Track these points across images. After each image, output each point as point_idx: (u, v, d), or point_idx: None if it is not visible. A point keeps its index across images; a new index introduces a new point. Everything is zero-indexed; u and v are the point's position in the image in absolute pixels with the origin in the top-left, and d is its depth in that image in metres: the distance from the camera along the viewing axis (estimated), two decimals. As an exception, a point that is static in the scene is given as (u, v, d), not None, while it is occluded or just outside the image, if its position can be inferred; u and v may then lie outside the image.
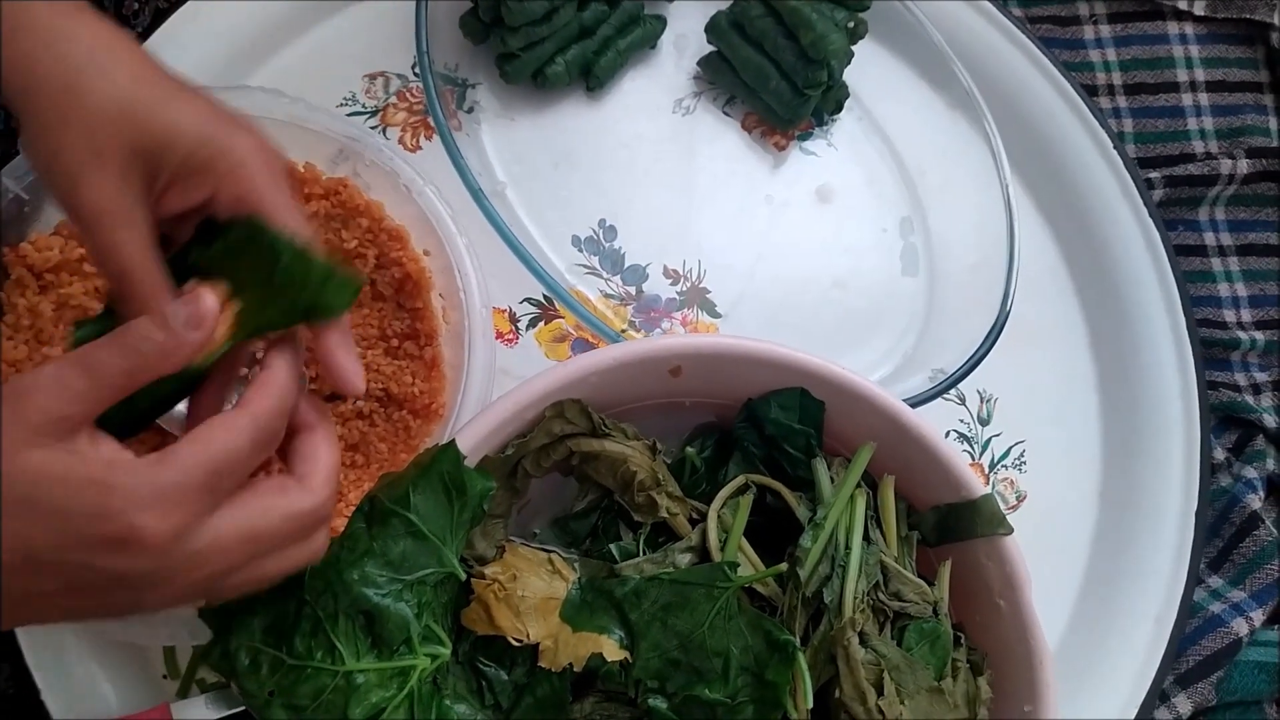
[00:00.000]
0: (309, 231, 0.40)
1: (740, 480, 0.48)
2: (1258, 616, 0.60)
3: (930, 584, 0.47)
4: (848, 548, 0.45)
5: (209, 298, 0.36)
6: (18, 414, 0.32)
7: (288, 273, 0.38)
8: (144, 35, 0.59)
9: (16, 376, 0.34)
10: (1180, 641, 0.60)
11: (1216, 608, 0.61)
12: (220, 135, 0.38)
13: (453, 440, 0.43)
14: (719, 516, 0.47)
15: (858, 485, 0.47)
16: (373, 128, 0.62)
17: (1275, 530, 0.62)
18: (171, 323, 0.35)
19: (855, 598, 0.43)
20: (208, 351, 0.37)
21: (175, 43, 0.59)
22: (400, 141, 0.63)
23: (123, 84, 0.37)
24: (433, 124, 0.62)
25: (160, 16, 0.60)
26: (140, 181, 0.37)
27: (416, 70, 0.63)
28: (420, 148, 0.63)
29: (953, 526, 0.47)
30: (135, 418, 0.37)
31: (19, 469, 0.31)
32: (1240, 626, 0.59)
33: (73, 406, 0.33)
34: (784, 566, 0.45)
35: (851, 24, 0.61)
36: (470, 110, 0.63)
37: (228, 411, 0.35)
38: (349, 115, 0.62)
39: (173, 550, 0.33)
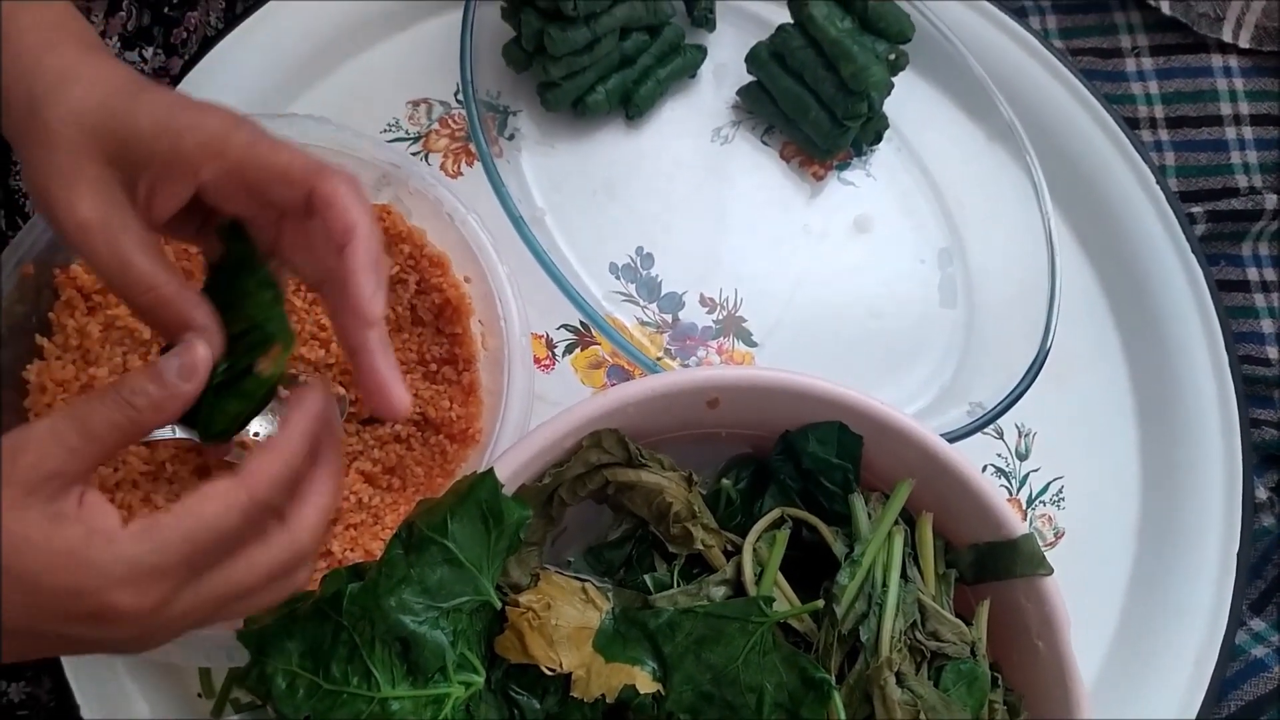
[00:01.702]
0: (316, 160, 0.37)
1: (776, 514, 0.48)
2: (1302, 661, 0.59)
3: (968, 623, 0.46)
4: (885, 586, 0.44)
5: (200, 347, 0.36)
6: (10, 472, 0.31)
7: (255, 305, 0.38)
8: (191, 62, 0.60)
9: (11, 432, 0.33)
10: (1221, 685, 0.58)
11: (1259, 652, 0.60)
12: (181, 121, 0.36)
13: (491, 469, 0.44)
14: (754, 550, 0.47)
15: (895, 522, 0.46)
16: (415, 153, 0.63)
17: (1320, 573, 0.61)
18: (165, 375, 0.35)
19: (892, 637, 0.43)
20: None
21: (222, 69, 0.60)
22: (442, 168, 0.63)
23: (82, 97, 0.36)
24: (474, 150, 0.62)
25: (208, 44, 0.61)
26: (121, 191, 0.36)
27: (459, 97, 0.64)
28: (461, 174, 0.63)
29: (991, 566, 0.47)
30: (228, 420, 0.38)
31: (3, 532, 0.31)
32: (1283, 671, 0.58)
33: (66, 464, 0.32)
34: (820, 603, 0.44)
35: (893, 56, 0.61)
36: (511, 137, 0.64)
37: (224, 481, 0.34)
38: (392, 141, 0.63)
39: (151, 620, 0.33)
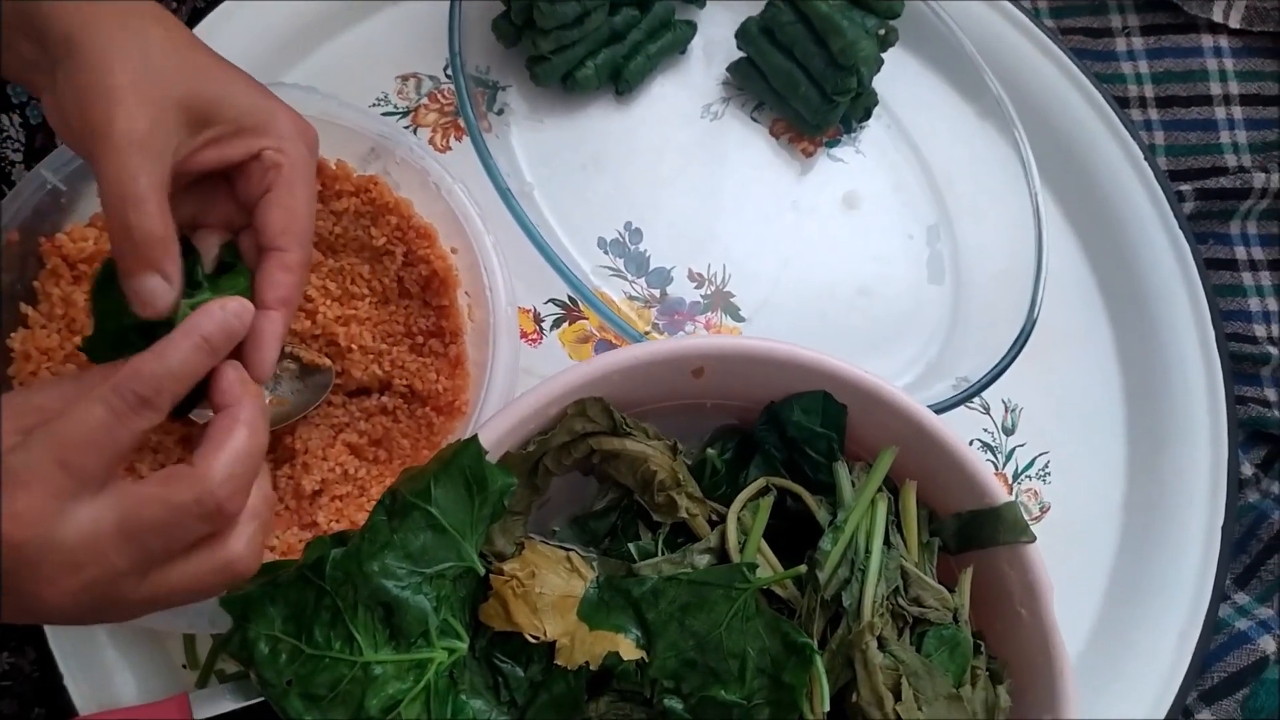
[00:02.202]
0: (311, 226, 0.42)
1: (761, 483, 0.48)
2: (1285, 635, 0.59)
3: (951, 591, 0.47)
4: (868, 552, 0.44)
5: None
6: None
7: None
8: (182, 33, 0.60)
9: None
10: (1205, 658, 0.59)
11: (1243, 624, 0.60)
12: (274, 105, 0.41)
13: (475, 435, 0.44)
14: (738, 518, 0.47)
15: (879, 490, 0.46)
16: (405, 128, 0.63)
17: (1304, 548, 0.61)
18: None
19: (874, 602, 0.43)
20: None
21: (211, 41, 0.58)
22: (431, 142, 0.63)
23: (179, 42, 0.39)
24: (463, 125, 0.62)
25: (196, 16, 0.61)
26: (176, 131, 0.38)
27: (448, 72, 0.64)
28: (450, 148, 0.63)
29: (974, 534, 0.47)
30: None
31: None
32: (1267, 644, 0.58)
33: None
34: (803, 569, 0.44)
35: (882, 31, 0.61)
36: (500, 112, 0.64)
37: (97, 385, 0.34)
38: (382, 115, 0.63)
39: (31, 540, 0.31)
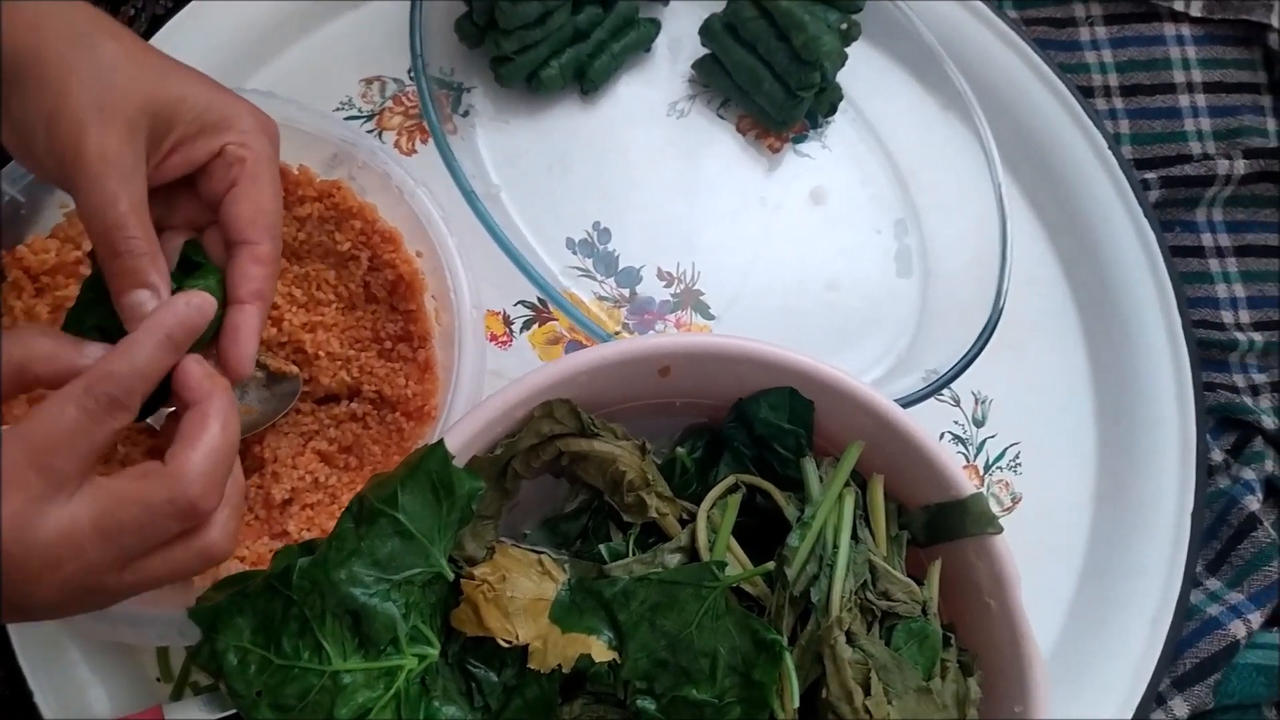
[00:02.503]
0: (280, 218, 0.42)
1: (730, 480, 0.48)
2: (1256, 619, 0.59)
3: (920, 584, 0.47)
4: (835, 547, 0.44)
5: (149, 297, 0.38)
6: None
7: None
8: (140, 41, 0.60)
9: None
10: (1177, 644, 0.59)
11: (1214, 610, 0.60)
12: (231, 101, 0.41)
13: (440, 440, 0.43)
14: (708, 517, 0.47)
15: (846, 484, 0.46)
16: (369, 131, 0.63)
17: (1274, 532, 0.62)
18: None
19: (842, 597, 0.43)
20: None
21: (172, 48, 0.57)
22: (396, 145, 0.63)
23: (131, 50, 0.39)
24: (428, 128, 0.62)
25: (157, 22, 0.60)
26: (144, 141, 0.38)
27: (412, 74, 0.63)
28: (416, 151, 0.63)
29: (942, 526, 0.47)
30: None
31: None
32: (1238, 629, 0.59)
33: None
34: (771, 565, 0.45)
35: (844, 26, 0.61)
36: (465, 113, 0.63)
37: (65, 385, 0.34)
38: (346, 119, 0.63)
39: (12, 541, 0.32)
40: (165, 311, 0.37)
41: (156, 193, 0.41)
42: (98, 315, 0.40)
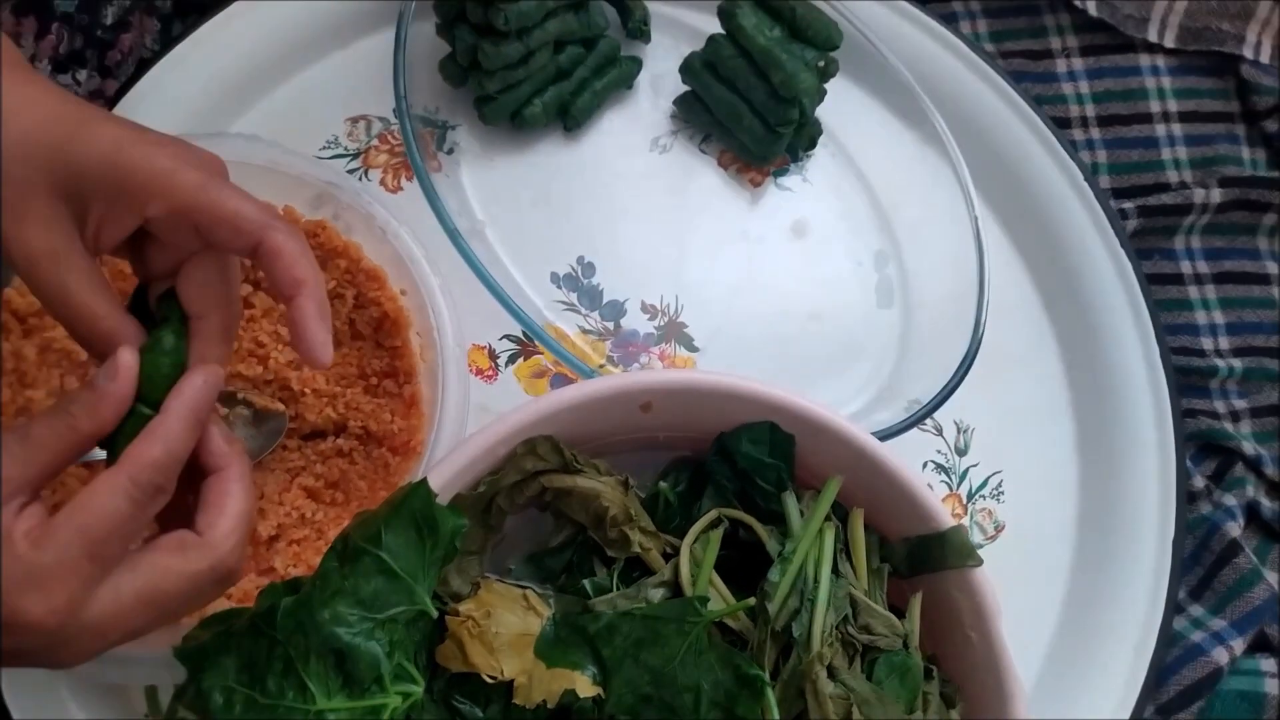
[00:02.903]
0: (264, 208, 0.39)
1: (713, 514, 0.49)
2: (1239, 645, 0.59)
3: (902, 615, 0.47)
4: (816, 581, 0.45)
5: (126, 353, 0.37)
6: None
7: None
8: (128, 85, 0.60)
9: None
10: (1161, 671, 0.59)
11: (1197, 636, 0.61)
12: (132, 155, 0.37)
13: (424, 478, 0.44)
14: (691, 551, 0.47)
15: (827, 518, 0.47)
16: (355, 169, 0.64)
17: (1255, 558, 0.62)
18: (95, 381, 0.36)
19: (824, 632, 0.44)
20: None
21: (160, 91, 0.61)
22: (382, 183, 0.64)
23: (26, 129, 0.36)
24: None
25: (144, 66, 0.61)
26: (69, 222, 0.37)
27: (397, 113, 0.64)
28: (402, 188, 0.64)
29: (923, 558, 0.48)
30: None
31: None
32: (1221, 655, 0.59)
33: (9, 470, 0.34)
34: (753, 601, 0.45)
35: (822, 63, 0.62)
36: (450, 151, 0.64)
37: (106, 472, 0.35)
38: (332, 158, 0.63)
39: (66, 625, 0.34)
40: (188, 392, 0.38)
41: (125, 246, 0.40)
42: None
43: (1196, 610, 0.62)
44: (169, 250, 0.40)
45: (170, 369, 0.39)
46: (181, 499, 0.39)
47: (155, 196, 0.37)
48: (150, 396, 0.38)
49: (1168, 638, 0.59)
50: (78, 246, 0.37)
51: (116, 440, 0.38)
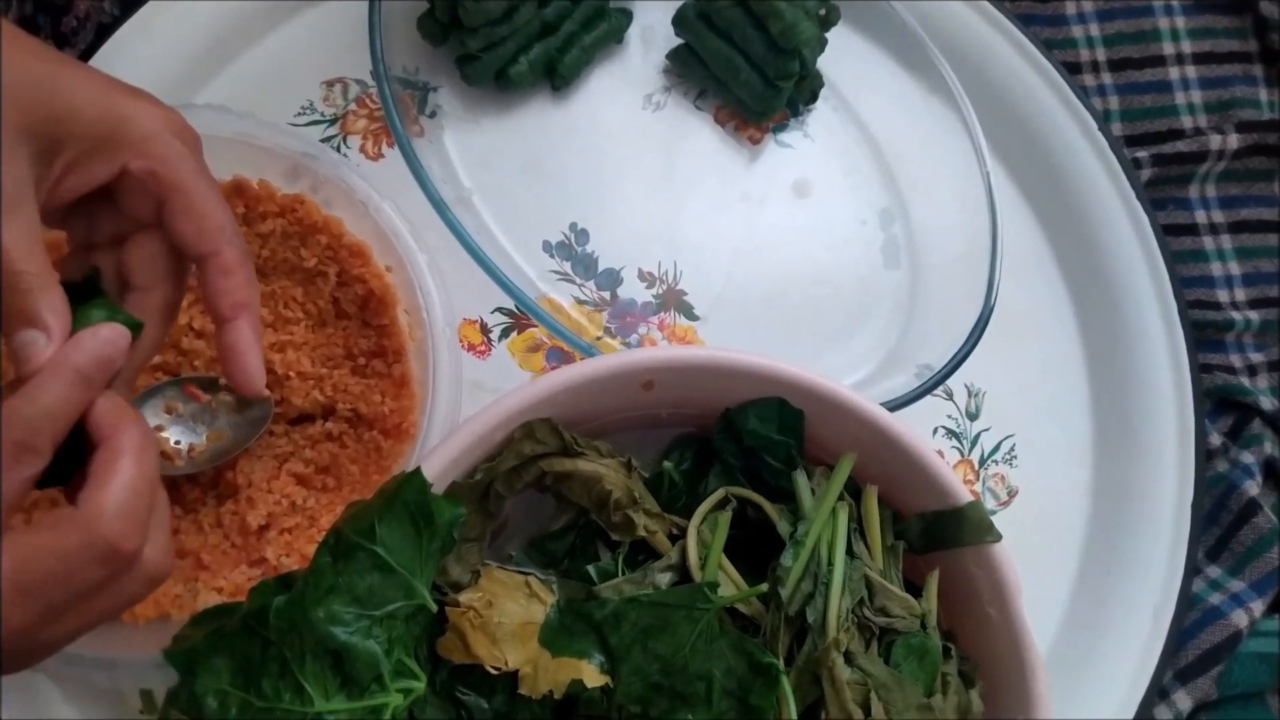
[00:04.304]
0: (230, 219, 0.38)
1: (720, 494, 0.47)
2: (1258, 607, 0.58)
3: (919, 593, 0.46)
4: (830, 564, 0.43)
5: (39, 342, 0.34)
6: None
7: None
8: (87, 53, 0.57)
9: None
10: (1179, 635, 0.58)
11: (1216, 599, 0.59)
12: (123, 107, 0.36)
13: (418, 469, 0.42)
14: (698, 533, 0.46)
15: (840, 497, 0.45)
16: (332, 136, 0.61)
17: (1274, 517, 0.61)
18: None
19: (839, 616, 0.42)
20: None
21: (123, 58, 0.57)
22: (362, 150, 0.61)
23: (9, 60, 0.34)
24: (393, 132, 0.60)
25: (104, 32, 0.58)
26: (29, 164, 0.34)
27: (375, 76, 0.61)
28: (383, 155, 0.61)
29: (939, 534, 0.46)
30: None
31: None
32: (1240, 618, 0.58)
33: None
34: (765, 586, 0.43)
35: (823, 11, 0.59)
36: (433, 115, 0.61)
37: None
38: (308, 124, 0.60)
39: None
40: (73, 347, 0.34)
41: (74, 208, 0.38)
42: None
43: (1215, 572, 0.61)
44: (120, 217, 0.38)
45: None
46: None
47: (142, 155, 0.36)
48: None
49: (1186, 601, 0.58)
50: (27, 193, 0.34)
51: None
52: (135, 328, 0.38)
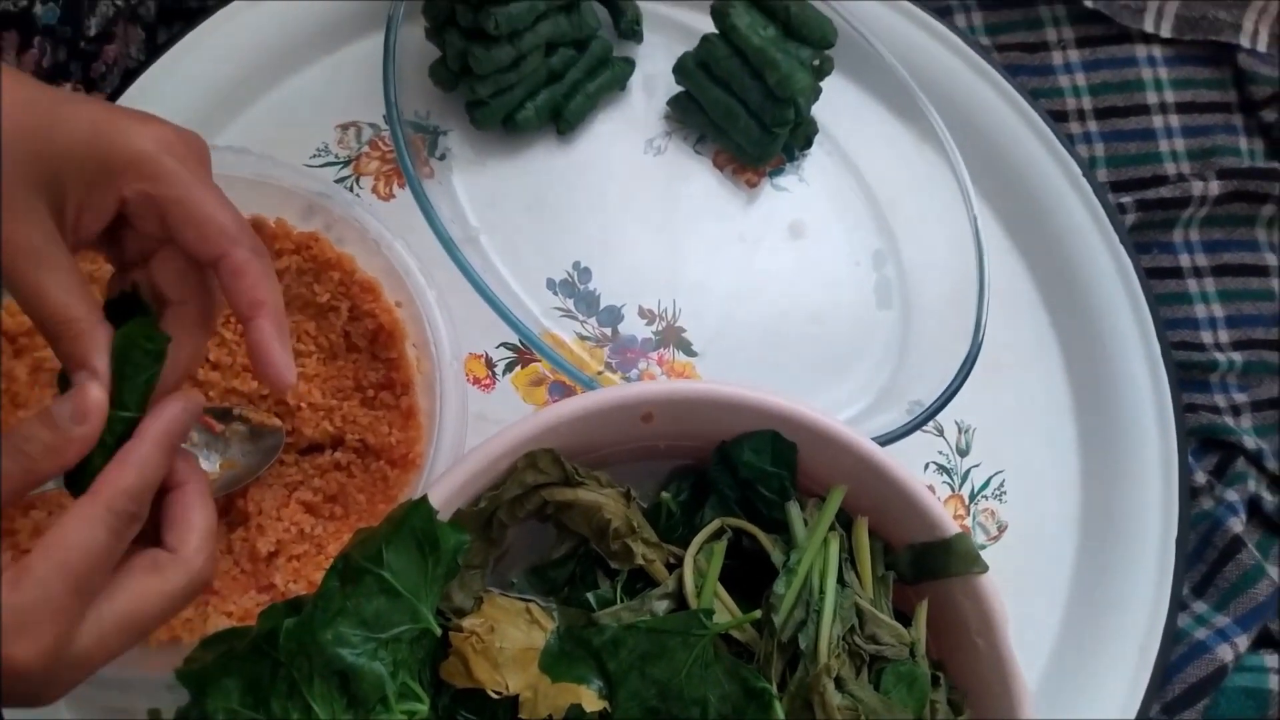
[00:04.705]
0: (236, 220, 0.38)
1: (716, 524, 0.48)
2: (1243, 642, 0.59)
3: (908, 623, 0.47)
4: (822, 592, 0.44)
5: (93, 390, 0.36)
6: None
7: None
8: (113, 96, 0.60)
9: None
10: (1166, 669, 0.59)
11: (1201, 634, 0.60)
12: (111, 135, 0.36)
13: (424, 496, 0.43)
14: (695, 562, 0.47)
15: (831, 528, 0.47)
16: (346, 177, 0.63)
17: (1258, 554, 0.62)
18: (58, 420, 0.35)
19: (830, 643, 0.43)
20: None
21: (147, 102, 0.60)
22: (374, 190, 0.63)
23: (10, 115, 0.35)
24: (404, 173, 0.62)
25: (130, 77, 0.60)
26: (48, 215, 0.36)
27: (387, 120, 0.63)
28: (394, 196, 0.63)
29: (928, 565, 0.47)
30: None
31: None
32: (1225, 653, 0.59)
33: None
34: (759, 614, 0.45)
35: (817, 61, 0.62)
36: (442, 157, 0.63)
37: (78, 503, 0.34)
38: (322, 166, 0.63)
39: (55, 664, 0.33)
40: (165, 418, 0.37)
41: (100, 237, 0.39)
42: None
43: (1200, 607, 0.62)
44: (141, 237, 0.39)
45: (145, 364, 0.38)
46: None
47: (134, 178, 0.37)
48: (122, 396, 0.37)
49: (1172, 636, 0.59)
50: (57, 242, 0.36)
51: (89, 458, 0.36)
52: (165, 340, 0.39)
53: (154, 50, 0.62)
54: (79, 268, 0.37)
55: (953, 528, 0.46)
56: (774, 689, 0.43)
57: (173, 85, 0.61)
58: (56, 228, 0.36)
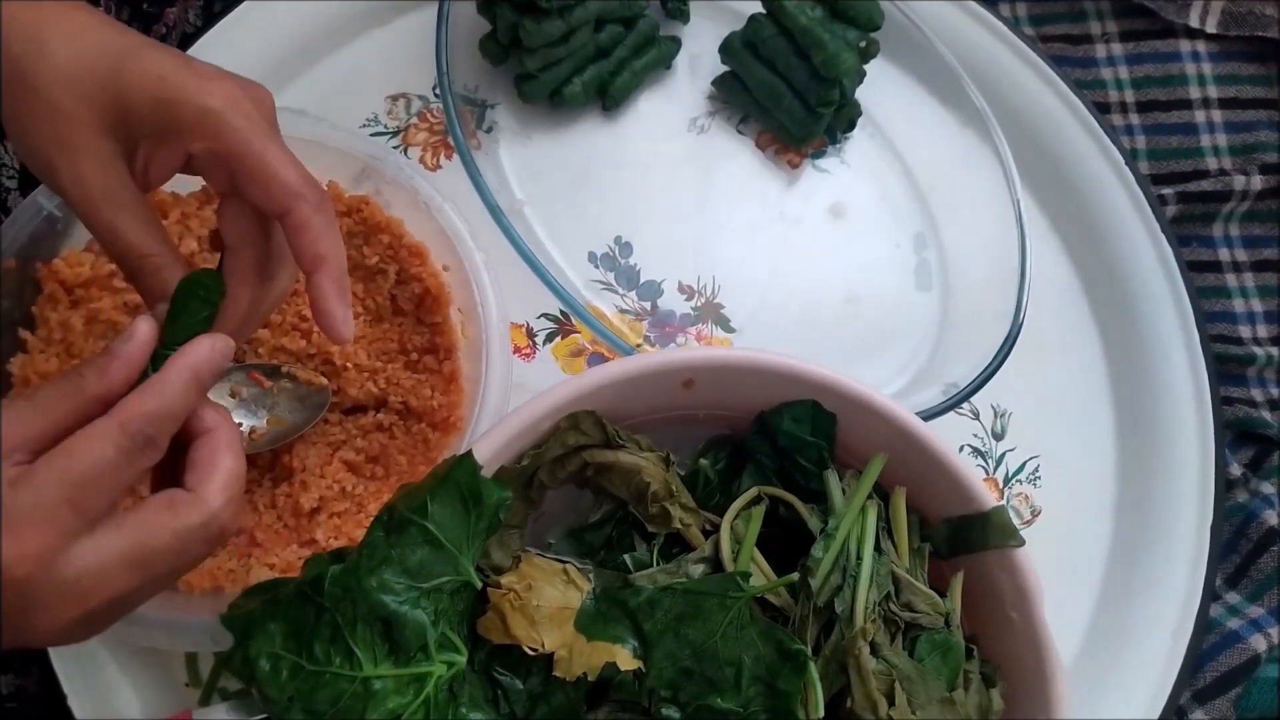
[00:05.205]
0: (301, 176, 0.38)
1: (753, 492, 0.49)
2: (1275, 633, 0.59)
3: (943, 595, 0.47)
4: (859, 558, 0.45)
5: (144, 320, 0.36)
6: None
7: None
8: (173, 59, 0.61)
9: None
10: (1197, 658, 0.59)
11: (1234, 624, 0.60)
12: (183, 89, 0.37)
13: (470, 451, 0.44)
14: (731, 528, 0.47)
15: (869, 497, 0.47)
16: (395, 148, 0.64)
17: (1292, 546, 0.62)
18: (110, 346, 0.35)
19: (866, 608, 0.44)
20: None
21: None
22: (421, 161, 0.64)
23: (72, 59, 0.36)
24: (452, 143, 0.63)
25: (186, 42, 0.61)
26: (119, 157, 0.36)
27: (437, 91, 0.64)
28: (440, 167, 0.64)
29: (964, 538, 0.48)
30: None
31: None
32: (1258, 643, 0.59)
33: (13, 429, 0.32)
34: (795, 576, 0.45)
35: (863, 43, 0.62)
36: (489, 130, 0.64)
37: (95, 420, 0.34)
38: (372, 135, 0.64)
39: (36, 576, 0.32)
40: (193, 353, 0.36)
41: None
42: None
43: (1234, 598, 0.62)
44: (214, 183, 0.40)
45: (197, 307, 0.38)
46: (170, 472, 0.37)
47: (200, 136, 0.37)
48: (174, 335, 0.37)
49: (1204, 624, 0.59)
50: (128, 183, 0.37)
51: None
52: (221, 287, 0.40)
53: (210, 17, 0.63)
54: (153, 206, 0.38)
55: (990, 501, 0.46)
56: (809, 651, 0.44)
57: (227, 52, 0.62)
58: (127, 172, 0.38)
